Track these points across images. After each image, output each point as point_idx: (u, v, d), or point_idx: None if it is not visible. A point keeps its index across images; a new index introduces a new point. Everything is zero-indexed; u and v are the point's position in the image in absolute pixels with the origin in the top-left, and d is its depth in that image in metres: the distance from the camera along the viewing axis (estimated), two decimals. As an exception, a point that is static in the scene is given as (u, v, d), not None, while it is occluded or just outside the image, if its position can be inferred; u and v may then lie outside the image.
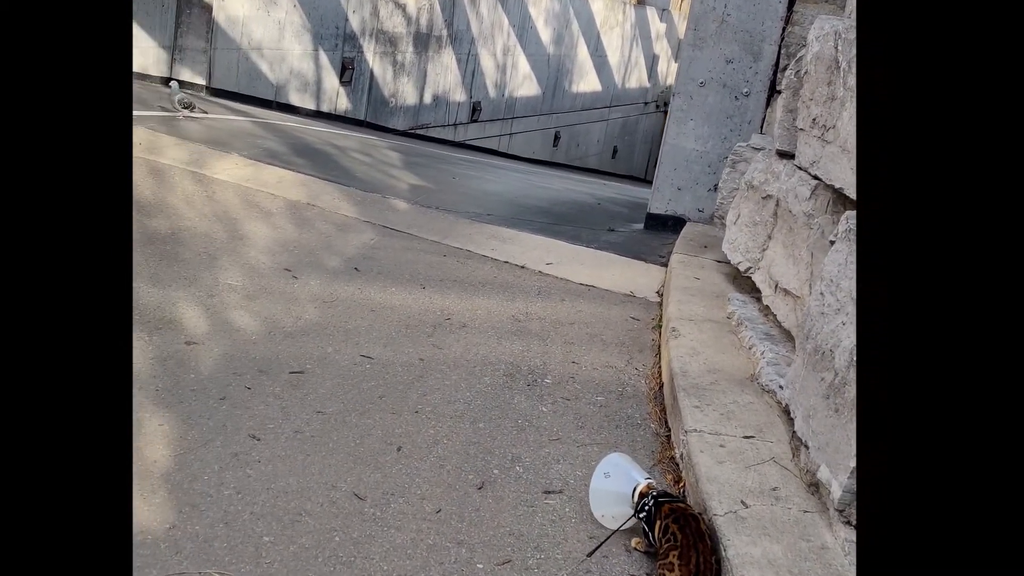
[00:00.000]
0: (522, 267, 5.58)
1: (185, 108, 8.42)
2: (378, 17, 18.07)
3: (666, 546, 2.70)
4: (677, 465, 3.40)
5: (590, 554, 2.84)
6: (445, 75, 21.10)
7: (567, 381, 4.06)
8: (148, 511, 2.71)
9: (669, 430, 3.69)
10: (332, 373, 3.78)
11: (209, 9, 13.80)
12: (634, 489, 2.94)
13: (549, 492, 3.16)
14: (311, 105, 16.84)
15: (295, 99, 16.42)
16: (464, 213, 6.69)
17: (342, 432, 3.34)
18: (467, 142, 20.44)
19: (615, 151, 25.22)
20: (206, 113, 8.55)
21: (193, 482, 2.89)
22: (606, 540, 2.89)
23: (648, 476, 3.02)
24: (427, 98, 20.94)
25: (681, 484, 3.27)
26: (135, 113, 7.97)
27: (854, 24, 3.36)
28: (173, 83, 9.00)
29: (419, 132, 19.75)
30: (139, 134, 6.93)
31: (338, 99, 17.68)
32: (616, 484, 3.01)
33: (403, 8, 19.15)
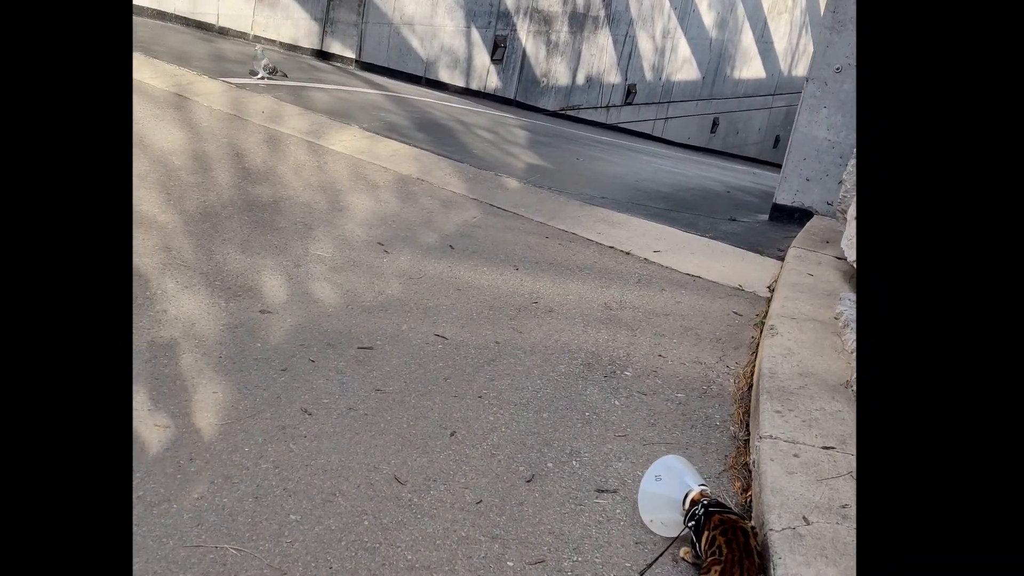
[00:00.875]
0: (627, 253, 5.37)
1: (270, 74, 8.25)
2: (534, -5, 17.96)
3: (710, 559, 2.51)
4: (749, 472, 3.17)
5: (642, 573, 2.65)
6: (600, 56, 20.87)
7: (648, 375, 3.85)
8: (179, 479, 2.68)
9: (749, 434, 3.45)
10: (401, 351, 3.69)
11: (362, -17, 13.98)
12: (686, 495, 2.73)
13: (602, 491, 2.99)
14: (460, 82, 16.92)
15: (444, 76, 16.53)
16: (577, 195, 6.50)
17: (397, 412, 3.25)
18: (619, 125, 20.20)
19: (776, 140, 24.52)
20: (286, 77, 8.48)
21: (233, 453, 2.85)
22: (660, 556, 2.69)
23: (703, 483, 2.79)
24: (580, 79, 20.77)
25: (748, 494, 3.04)
26: (269, 81, 8.11)
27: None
28: (258, 47, 8.77)
29: (569, 113, 19.62)
30: (264, 102, 7.03)
31: (488, 77, 17.71)
32: (667, 488, 2.81)
33: (561, -13, 18.99)
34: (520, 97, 18.73)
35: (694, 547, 2.67)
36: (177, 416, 2.97)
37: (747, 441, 3.40)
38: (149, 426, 2.89)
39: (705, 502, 2.67)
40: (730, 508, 2.70)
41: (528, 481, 2.98)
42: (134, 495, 2.57)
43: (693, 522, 2.65)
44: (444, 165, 6.50)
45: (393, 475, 2.89)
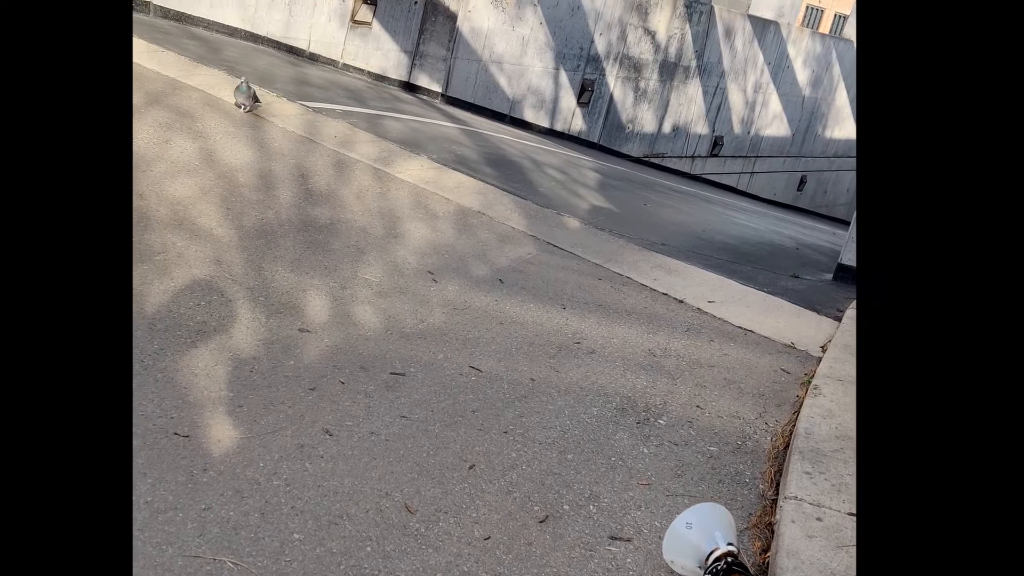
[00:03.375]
0: (680, 301, 5.30)
1: (251, 101, 6.76)
2: (625, 42, 18.06)
3: None
4: (772, 533, 3.06)
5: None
6: (688, 106, 20.84)
7: (683, 425, 3.77)
8: (189, 488, 2.69)
9: (777, 494, 3.34)
10: (433, 380, 3.67)
11: (454, 19, 14.20)
12: (712, 551, 2.63)
13: (616, 538, 2.92)
14: (544, 123, 17.03)
15: (529, 115, 16.66)
16: (638, 239, 6.45)
17: (419, 440, 3.23)
18: (703, 176, 20.12)
19: (867, 202, 24.14)
20: (270, 110, 6.94)
21: (247, 467, 2.85)
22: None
23: (731, 543, 2.68)
24: (666, 127, 20.75)
25: (767, 554, 2.94)
26: (346, 108, 8.25)
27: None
28: (243, 78, 7.09)
29: (653, 161, 19.60)
30: (338, 127, 7.14)
31: (573, 120, 17.80)
32: (696, 537, 2.70)
33: (652, 35, 19.06)
34: (604, 141, 18.77)
35: None
36: (198, 427, 3.00)
37: (775, 501, 3.30)
38: (169, 435, 2.91)
39: (729, 560, 2.57)
40: (751, 574, 2.62)
41: (541, 522, 2.93)
42: (143, 501, 2.59)
43: None
44: (507, 200, 6.51)
45: (404, 503, 2.86)
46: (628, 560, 2.82)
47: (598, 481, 3.23)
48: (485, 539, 2.78)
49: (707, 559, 2.63)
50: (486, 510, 2.93)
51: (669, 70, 19.86)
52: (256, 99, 6.91)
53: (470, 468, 3.14)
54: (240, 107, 6.78)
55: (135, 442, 2.82)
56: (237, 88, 6.80)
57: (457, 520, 2.84)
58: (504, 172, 7.77)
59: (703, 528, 2.72)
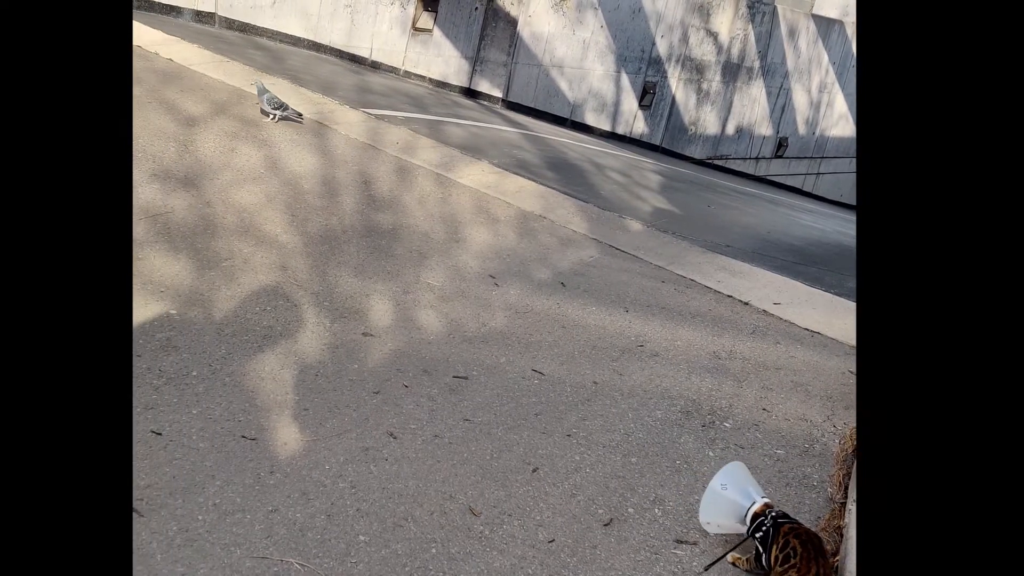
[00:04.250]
0: (745, 303, 5.24)
1: (281, 110, 6.46)
2: (687, 44, 17.95)
3: (785, 566, 2.56)
4: (840, 536, 3.01)
5: (707, 567, 2.74)
6: (752, 107, 20.63)
7: (749, 428, 3.72)
8: (257, 490, 2.72)
9: (847, 498, 3.28)
10: (495, 383, 3.68)
11: (514, 24, 14.24)
12: (750, 507, 2.76)
13: (681, 542, 2.89)
14: (606, 126, 16.99)
15: (590, 119, 16.63)
16: (701, 241, 6.40)
17: (482, 443, 3.23)
18: (768, 177, 19.90)
19: (935, 202, 23.73)
20: (300, 117, 6.62)
21: (313, 470, 2.88)
22: (723, 557, 2.80)
23: (765, 496, 2.81)
24: (729, 129, 20.57)
25: (836, 558, 2.88)
26: (408, 114, 8.31)
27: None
28: (256, 79, 6.91)
29: (716, 163, 19.45)
30: (400, 134, 7.19)
31: (635, 123, 17.73)
32: (733, 495, 2.82)
33: (715, 37, 18.91)
34: (666, 144, 18.66)
35: (759, 558, 2.68)
36: (265, 429, 3.03)
37: (844, 504, 3.24)
38: (236, 437, 2.95)
39: (772, 514, 2.70)
40: (796, 520, 2.71)
41: (606, 525, 2.91)
42: (211, 503, 2.62)
43: (760, 533, 2.67)
44: (568, 204, 6.50)
45: (468, 506, 2.87)
46: (694, 563, 2.79)
47: (663, 484, 3.20)
48: (549, 542, 2.77)
49: (746, 515, 2.75)
50: (550, 513, 2.92)
51: (732, 71, 19.68)
52: (283, 106, 6.47)
53: (533, 471, 3.13)
54: (269, 116, 6.47)
55: (203, 444, 2.87)
56: (259, 94, 6.47)
57: (521, 523, 2.84)
58: (565, 176, 7.76)
59: (737, 487, 2.83)
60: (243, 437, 2.96)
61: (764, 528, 2.67)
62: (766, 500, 2.79)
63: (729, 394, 4.01)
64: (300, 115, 6.62)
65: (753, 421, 3.79)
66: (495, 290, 4.65)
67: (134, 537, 2.42)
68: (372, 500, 2.79)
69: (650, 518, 2.99)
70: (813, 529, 2.77)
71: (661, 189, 8.80)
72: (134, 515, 2.50)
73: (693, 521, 3.00)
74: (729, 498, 2.81)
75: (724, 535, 2.91)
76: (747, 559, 2.76)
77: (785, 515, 2.73)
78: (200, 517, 2.55)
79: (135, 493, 2.58)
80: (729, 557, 2.79)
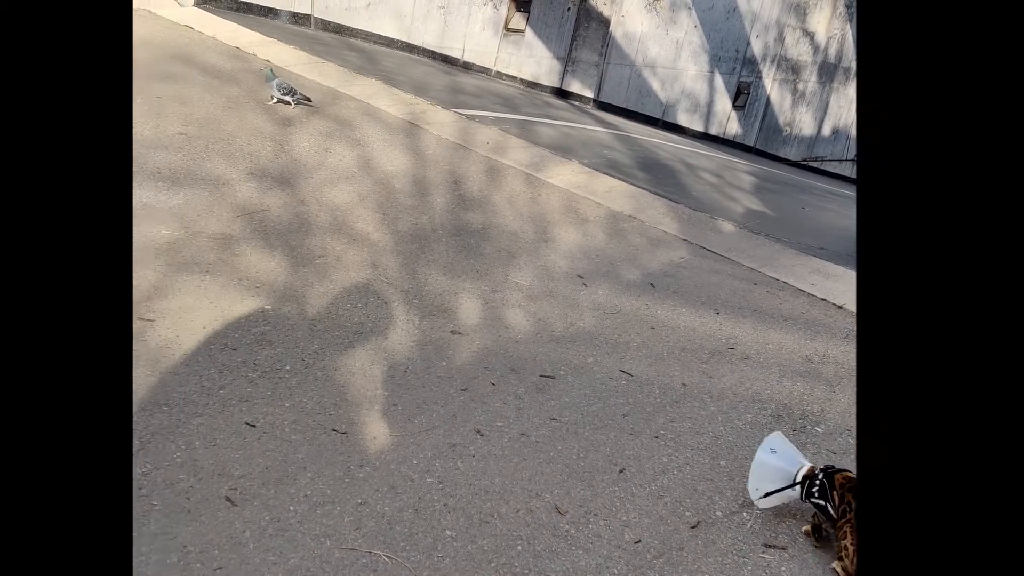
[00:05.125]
0: (839, 307, 5.13)
1: (289, 95, 6.34)
2: (783, 43, 17.69)
3: (843, 520, 2.73)
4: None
5: (767, 495, 2.96)
6: (849, 108, 20.22)
7: (842, 433, 3.65)
8: (347, 483, 2.77)
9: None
10: (583, 383, 3.67)
11: (607, 24, 14.21)
12: (798, 471, 2.90)
13: (770, 546, 2.84)
14: (699, 127, 16.83)
15: (683, 119, 16.49)
16: (795, 244, 6.29)
17: (568, 443, 3.23)
18: (864, 178, 19.46)
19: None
20: (310, 101, 6.53)
21: (401, 464, 2.92)
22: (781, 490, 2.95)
23: (809, 461, 2.96)
24: (825, 130, 20.20)
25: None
26: (498, 115, 8.35)
27: None
28: (264, 69, 6.58)
29: (812, 164, 19.11)
30: (490, 134, 7.23)
31: (728, 123, 17.53)
32: (781, 461, 2.95)
33: (811, 36, 18.59)
34: (760, 145, 18.40)
35: (824, 512, 2.80)
36: (355, 424, 3.08)
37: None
38: (327, 431, 3.00)
39: (822, 467, 2.85)
40: (846, 468, 2.84)
41: (693, 527, 2.89)
42: (303, 494, 2.68)
43: (816, 488, 2.81)
44: (659, 204, 6.45)
45: (554, 504, 2.87)
46: (783, 568, 2.74)
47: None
48: (635, 543, 2.75)
49: (796, 478, 2.89)
50: (636, 514, 2.90)
51: (828, 72, 19.30)
52: (294, 92, 6.36)
53: (620, 471, 3.12)
54: (274, 100, 6.36)
55: (295, 436, 2.92)
56: (267, 80, 6.36)
57: (607, 523, 2.82)
58: (656, 176, 7.70)
59: (784, 453, 2.96)
60: (334, 431, 3.01)
61: (820, 483, 2.82)
62: (811, 464, 2.93)
63: (821, 398, 3.93)
64: (309, 99, 6.55)
65: (846, 426, 3.71)
66: (583, 290, 4.64)
67: (228, 526, 2.48)
68: (459, 496, 2.81)
69: (738, 522, 2.95)
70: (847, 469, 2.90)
71: (754, 190, 8.67)
72: (227, 504, 2.56)
73: (783, 525, 2.96)
74: (777, 465, 2.95)
75: (773, 506, 3.02)
76: (808, 529, 2.94)
77: (832, 466, 2.87)
78: (291, 508, 2.61)
79: (229, 483, 2.64)
80: (803, 530, 2.96)
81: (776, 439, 3.02)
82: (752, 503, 3.01)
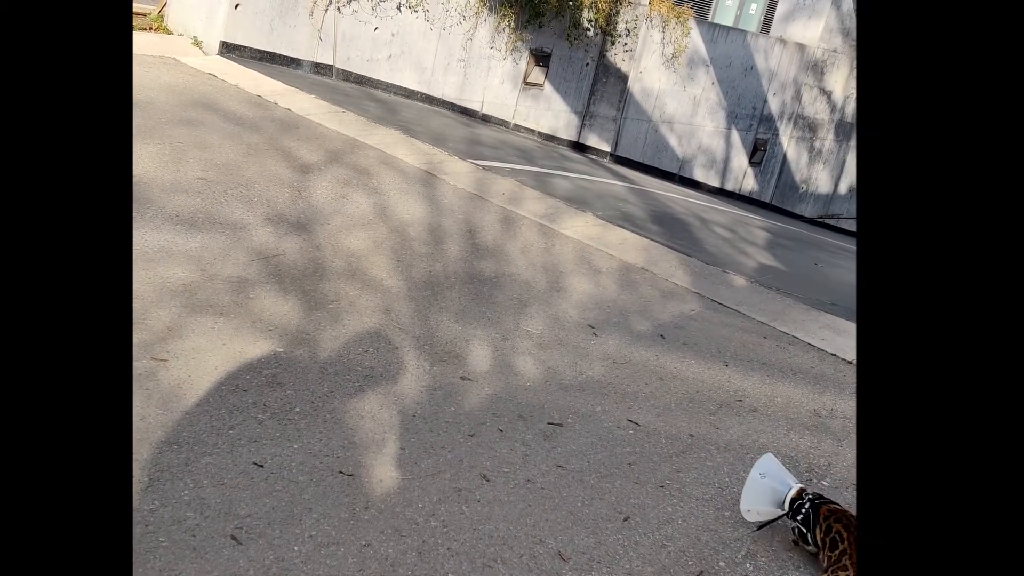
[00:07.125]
0: (848, 362, 5.14)
1: None
2: (800, 102, 17.82)
3: (835, 552, 2.79)
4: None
5: (760, 527, 3.15)
6: (866, 166, 20.22)
7: (847, 487, 3.65)
8: (351, 524, 2.79)
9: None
10: (590, 431, 3.69)
11: (625, 79, 14.38)
12: (787, 492, 3.05)
13: (773, 600, 2.84)
14: (715, 182, 16.93)
15: (699, 175, 16.59)
16: (807, 299, 6.31)
17: (574, 490, 3.24)
18: (879, 238, 19.45)
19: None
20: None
21: (406, 507, 2.94)
22: (775, 520, 3.11)
23: (799, 482, 3.10)
24: (842, 188, 20.26)
25: None
26: (515, 166, 8.45)
27: None
28: None
29: (827, 222, 19.14)
30: (506, 185, 7.32)
31: (744, 179, 17.63)
32: (772, 483, 3.10)
33: (828, 95, 18.73)
34: (776, 201, 18.46)
35: (803, 538, 3.02)
36: (362, 466, 3.11)
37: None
38: (334, 472, 3.03)
39: (809, 496, 2.98)
40: (833, 500, 2.99)
41: (695, 577, 2.89)
42: (307, 535, 2.70)
43: (801, 515, 2.96)
44: (671, 257, 6.50)
45: (558, 551, 2.88)
46: (785, 622, 2.74)
47: (756, 539, 3.16)
48: (637, 591, 2.76)
49: (785, 500, 3.04)
50: (639, 562, 2.91)
51: (846, 130, 19.40)
52: None
53: (624, 520, 3.13)
54: None
55: (302, 478, 2.95)
56: None
57: (610, 570, 2.83)
58: (670, 229, 7.76)
59: (774, 475, 3.11)
60: (341, 473, 3.04)
61: (804, 511, 2.97)
62: (800, 486, 3.08)
63: (828, 452, 3.94)
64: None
65: (852, 480, 3.71)
66: (593, 340, 4.67)
67: (232, 564, 2.51)
68: (463, 540, 2.83)
69: (741, 572, 2.96)
70: (834, 501, 3.05)
71: (767, 245, 8.71)
72: (232, 542, 2.59)
73: (786, 579, 2.96)
74: (768, 485, 3.09)
75: (763, 522, 3.16)
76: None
77: (821, 496, 3.01)
78: (296, 548, 2.63)
79: (235, 522, 2.67)
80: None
81: (767, 462, 3.17)
82: (754, 541, 3.02)
